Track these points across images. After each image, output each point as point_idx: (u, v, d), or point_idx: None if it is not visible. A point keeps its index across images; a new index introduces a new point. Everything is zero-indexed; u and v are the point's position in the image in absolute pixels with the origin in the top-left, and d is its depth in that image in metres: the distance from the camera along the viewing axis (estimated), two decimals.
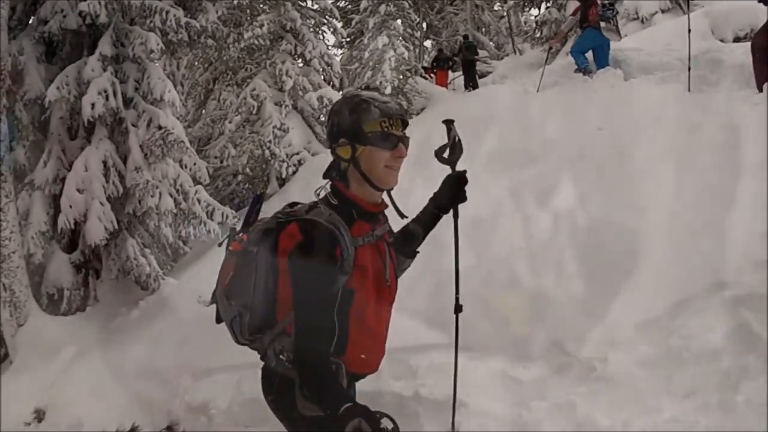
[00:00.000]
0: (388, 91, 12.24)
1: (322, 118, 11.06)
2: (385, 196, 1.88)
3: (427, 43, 22.51)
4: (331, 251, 1.67)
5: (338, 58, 15.39)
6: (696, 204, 4.34)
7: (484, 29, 21.50)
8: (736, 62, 6.91)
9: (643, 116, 6.08)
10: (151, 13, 7.39)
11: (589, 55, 8.85)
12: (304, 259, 1.68)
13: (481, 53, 17.87)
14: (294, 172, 10.45)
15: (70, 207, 6.46)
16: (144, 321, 5.85)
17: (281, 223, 1.77)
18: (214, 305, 2.00)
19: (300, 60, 11.19)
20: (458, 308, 2.12)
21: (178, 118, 9.46)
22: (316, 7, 11.55)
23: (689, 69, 6.76)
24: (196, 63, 12.53)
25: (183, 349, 5.06)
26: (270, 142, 10.34)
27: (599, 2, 8.86)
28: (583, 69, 8.75)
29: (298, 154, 10.68)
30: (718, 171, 4.70)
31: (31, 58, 6.76)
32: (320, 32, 11.49)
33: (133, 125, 7.02)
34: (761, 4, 6.18)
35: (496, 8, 22.47)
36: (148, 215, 7.09)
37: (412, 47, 13.47)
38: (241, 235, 1.94)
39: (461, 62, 15.09)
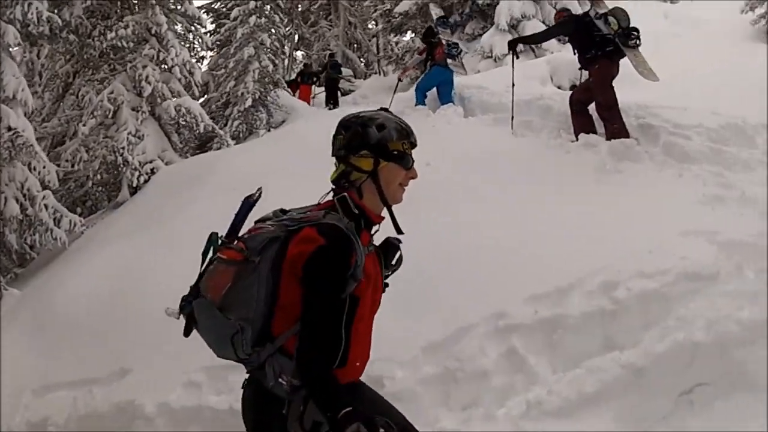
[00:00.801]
0: (249, 102, 12.31)
1: (181, 127, 10.89)
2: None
3: (299, 54, 22.53)
4: (349, 257, 1.69)
5: (206, 61, 15.10)
6: (495, 238, 4.83)
7: (356, 45, 21.81)
8: (563, 110, 7.37)
9: (468, 153, 6.62)
10: (12, 4, 6.97)
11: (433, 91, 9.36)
12: (326, 262, 1.67)
13: (347, 72, 18.18)
14: (146, 181, 10.19)
15: None
16: None
17: (291, 231, 1.74)
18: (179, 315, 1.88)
19: (162, 66, 10.91)
20: None
21: (32, 113, 9.02)
22: (185, 11, 11.27)
23: (512, 117, 7.26)
24: (57, 54, 11.78)
25: (23, 365, 4.99)
26: (123, 148, 10.06)
27: (444, 42, 9.45)
28: (423, 105, 9.22)
29: (151, 162, 10.42)
30: (521, 209, 5.23)
31: None
32: (186, 39, 11.24)
33: None
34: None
35: (369, 27, 22.76)
36: None
37: (277, 60, 13.56)
38: (237, 243, 1.81)
39: (324, 80, 15.37)
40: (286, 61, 18.86)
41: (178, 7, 11.04)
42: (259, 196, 1.93)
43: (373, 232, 1.90)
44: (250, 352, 1.77)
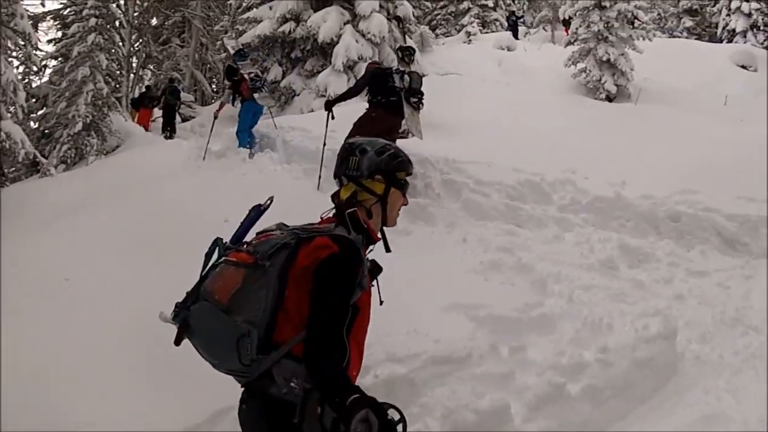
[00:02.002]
0: (79, 126, 11.31)
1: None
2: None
3: (147, 71, 21.06)
4: (358, 266, 1.72)
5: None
6: None
7: (208, 67, 20.84)
8: None
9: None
10: None
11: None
12: (338, 269, 1.68)
13: (188, 97, 17.08)
14: None
15: None
16: None
17: (303, 238, 1.74)
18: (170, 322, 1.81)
19: None
20: None
21: None
22: (15, 26, 10.07)
23: (319, 176, 6.93)
24: None
25: None
26: None
27: (247, 77, 8.97)
28: (247, 146, 8.78)
29: None
30: None
31: None
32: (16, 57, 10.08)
33: None
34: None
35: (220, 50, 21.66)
36: None
37: (114, 83, 12.56)
38: (246, 246, 1.79)
39: (162, 105, 14.41)
40: (131, 78, 17.50)
41: (11, 24, 9.84)
42: (269, 204, 1.96)
43: (369, 250, 1.93)
44: (254, 359, 1.68)
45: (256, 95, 8.87)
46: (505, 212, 6.39)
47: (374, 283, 1.93)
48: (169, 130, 13.55)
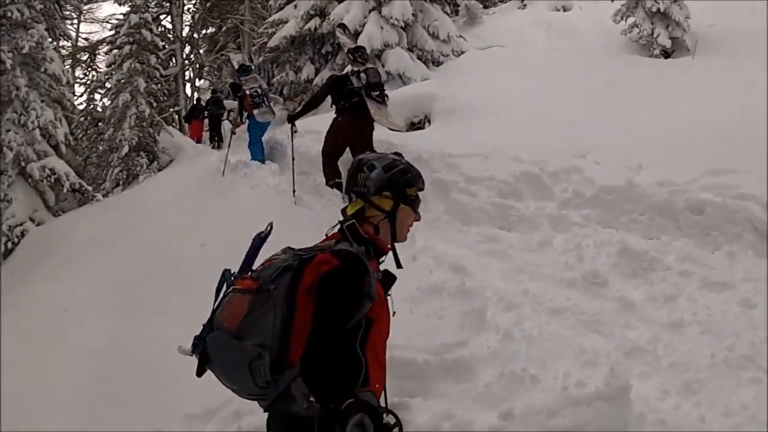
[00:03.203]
0: (126, 149, 11.40)
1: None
2: None
3: (204, 83, 21.04)
4: (363, 277, 1.66)
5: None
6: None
7: None
8: None
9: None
10: None
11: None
12: (340, 282, 1.64)
13: (231, 104, 16.76)
14: (16, 244, 9.40)
15: None
16: None
17: (305, 259, 1.70)
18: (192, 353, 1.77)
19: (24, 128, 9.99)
20: None
21: None
22: (45, 70, 10.32)
23: (293, 190, 6.52)
24: None
25: None
26: None
27: (248, 93, 8.55)
28: (260, 160, 8.40)
29: (21, 225, 9.60)
30: None
31: None
32: (45, 100, 10.28)
33: None
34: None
35: None
36: None
37: (155, 103, 12.51)
38: (249, 273, 1.76)
39: (208, 116, 14.18)
40: (181, 94, 17.53)
41: (41, 68, 10.09)
42: (270, 231, 1.88)
43: (381, 261, 1.88)
44: (269, 380, 1.63)
45: (256, 111, 8.47)
46: (492, 213, 5.33)
47: (390, 293, 1.88)
48: (216, 139, 13.35)
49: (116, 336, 5.14)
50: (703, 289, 3.74)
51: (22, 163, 9.71)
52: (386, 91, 6.66)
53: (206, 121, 14.15)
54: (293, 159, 6.65)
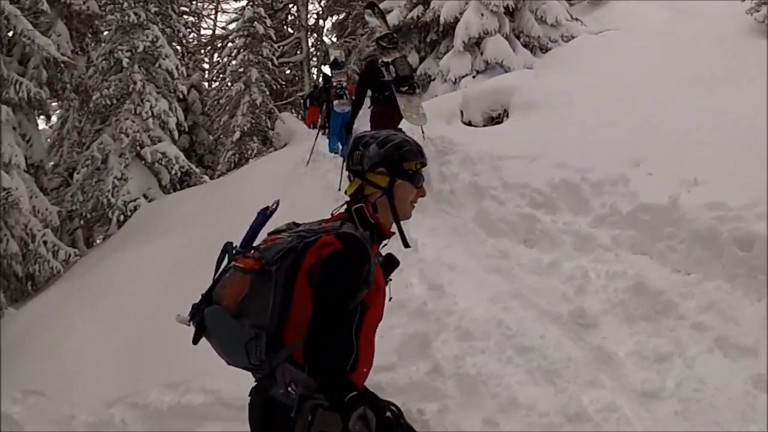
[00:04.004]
0: (237, 135, 11.96)
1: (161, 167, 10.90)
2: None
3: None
4: (363, 263, 1.62)
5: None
6: None
7: None
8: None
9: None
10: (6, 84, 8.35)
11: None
12: (340, 266, 1.60)
13: None
14: (128, 216, 10.39)
15: None
16: None
17: (308, 242, 1.66)
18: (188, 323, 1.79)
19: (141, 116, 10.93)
20: None
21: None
22: (159, 66, 11.19)
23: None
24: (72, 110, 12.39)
25: None
26: (109, 191, 10.41)
27: (334, 84, 8.51)
28: (334, 150, 8.37)
29: (134, 201, 10.58)
30: None
31: None
32: (160, 93, 11.12)
33: None
34: None
35: None
36: None
37: (267, 91, 12.95)
38: (253, 252, 1.71)
39: (322, 102, 14.27)
40: (306, 80, 17.79)
41: (155, 65, 11.00)
42: (276, 207, 1.84)
43: (382, 245, 1.81)
44: (263, 359, 1.63)
45: (335, 102, 8.44)
46: (517, 225, 4.73)
47: (391, 278, 1.81)
48: (327, 126, 13.53)
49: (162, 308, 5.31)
50: (712, 353, 2.91)
51: (138, 147, 10.64)
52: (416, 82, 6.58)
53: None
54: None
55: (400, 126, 5.96)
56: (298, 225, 1.79)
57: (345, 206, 1.82)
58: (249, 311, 1.64)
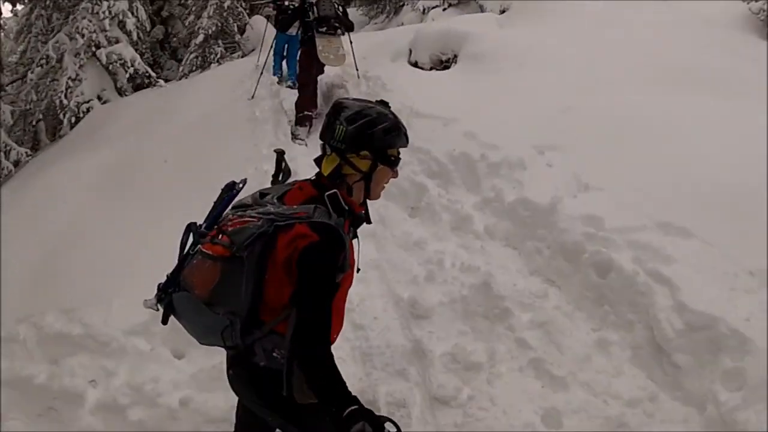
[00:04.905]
0: (201, 38, 11.44)
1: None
2: None
3: None
4: (339, 253, 1.59)
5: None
6: None
7: None
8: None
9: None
10: None
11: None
12: (318, 258, 1.56)
13: None
14: (80, 118, 10.09)
15: None
16: None
17: (280, 226, 1.58)
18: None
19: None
20: None
21: None
22: None
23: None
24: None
25: None
26: (62, 92, 10.07)
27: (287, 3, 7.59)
28: (278, 76, 7.86)
29: (88, 102, 10.26)
30: None
31: None
32: None
33: None
34: None
35: None
36: None
37: None
38: (221, 237, 1.63)
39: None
40: None
41: None
42: (243, 186, 1.75)
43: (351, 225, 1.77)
44: (239, 342, 1.64)
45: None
46: (408, 192, 4.55)
47: (358, 238, 1.79)
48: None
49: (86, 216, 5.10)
50: (522, 373, 2.85)
51: (93, 48, 10.14)
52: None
53: None
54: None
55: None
56: (264, 196, 1.71)
57: (313, 178, 1.72)
58: (222, 299, 1.60)
